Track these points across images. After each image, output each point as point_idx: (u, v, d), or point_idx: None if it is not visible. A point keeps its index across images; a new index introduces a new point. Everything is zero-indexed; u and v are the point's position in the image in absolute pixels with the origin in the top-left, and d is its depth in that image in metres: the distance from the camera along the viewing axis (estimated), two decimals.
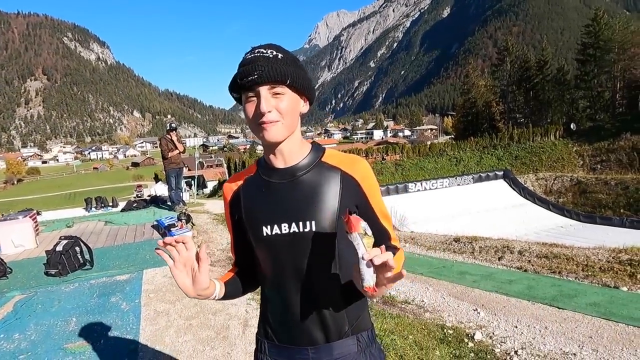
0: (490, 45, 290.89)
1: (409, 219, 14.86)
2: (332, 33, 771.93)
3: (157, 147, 21.60)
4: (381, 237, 1.07)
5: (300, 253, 1.03)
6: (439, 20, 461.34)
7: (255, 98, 0.98)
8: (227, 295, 1.14)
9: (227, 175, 51.50)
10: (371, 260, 0.82)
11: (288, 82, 0.97)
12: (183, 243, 0.98)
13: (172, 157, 8.42)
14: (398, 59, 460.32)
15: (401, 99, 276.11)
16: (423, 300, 4.62)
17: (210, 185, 71.16)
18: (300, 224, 1.02)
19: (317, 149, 1.12)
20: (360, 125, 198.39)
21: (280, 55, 0.99)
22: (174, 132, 8.50)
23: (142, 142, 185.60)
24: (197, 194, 37.74)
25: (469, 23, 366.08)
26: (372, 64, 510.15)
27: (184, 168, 11.67)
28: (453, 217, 16.58)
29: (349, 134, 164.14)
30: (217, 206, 11.82)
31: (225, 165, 56.55)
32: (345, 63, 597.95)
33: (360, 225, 0.88)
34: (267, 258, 1.08)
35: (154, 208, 9.33)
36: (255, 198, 1.09)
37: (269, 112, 0.96)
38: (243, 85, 0.97)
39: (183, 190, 17.96)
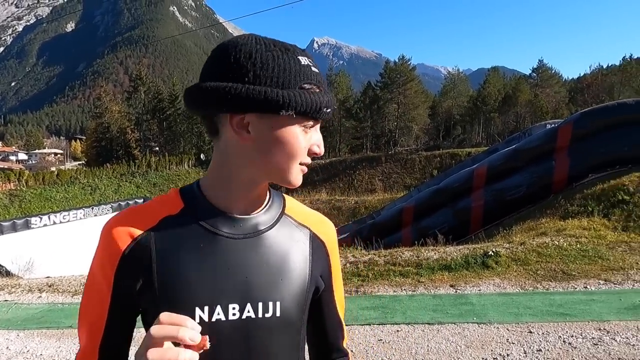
0: (121, 71, 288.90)
1: (37, 261, 12.21)
2: None
3: None
4: (335, 334, 0.83)
5: (252, 351, 0.68)
6: (62, 33, 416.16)
7: (310, 130, 0.66)
8: None
9: None
10: None
11: None
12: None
13: None
14: (7, 66, 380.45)
15: (13, 116, 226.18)
16: None
17: None
18: (260, 305, 0.67)
19: (277, 194, 0.78)
20: None
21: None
22: None
23: None
24: None
25: (97, 44, 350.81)
26: None
27: None
28: None
29: None
30: None
31: None
32: None
33: None
34: None
35: None
36: (185, 258, 0.66)
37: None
38: (315, 113, 0.63)
39: None
